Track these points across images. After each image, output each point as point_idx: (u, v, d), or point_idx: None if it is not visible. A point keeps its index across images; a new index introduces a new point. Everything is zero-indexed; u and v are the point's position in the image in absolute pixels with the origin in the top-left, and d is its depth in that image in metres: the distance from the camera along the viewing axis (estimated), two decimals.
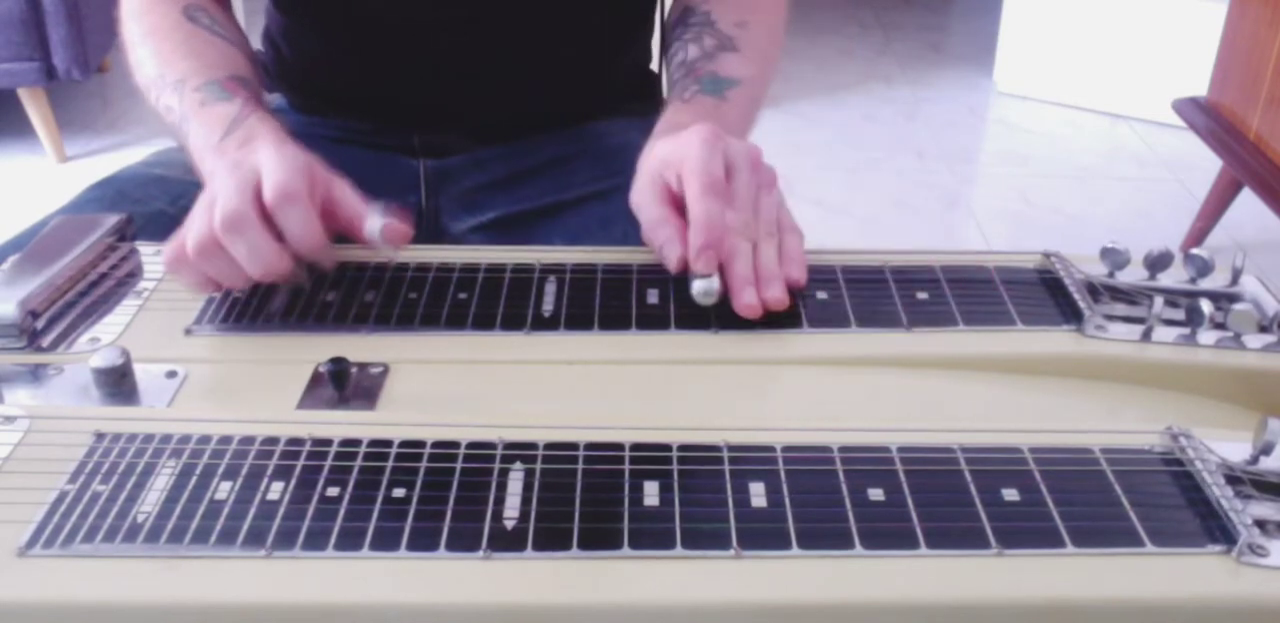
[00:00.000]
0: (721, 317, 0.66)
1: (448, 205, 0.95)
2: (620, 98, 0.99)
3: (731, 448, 0.54)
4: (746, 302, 0.65)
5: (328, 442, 0.54)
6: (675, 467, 0.53)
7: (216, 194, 0.66)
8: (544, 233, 0.91)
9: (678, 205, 0.70)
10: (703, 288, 0.66)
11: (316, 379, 0.61)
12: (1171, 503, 0.52)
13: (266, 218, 0.65)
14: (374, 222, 0.67)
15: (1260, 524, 0.50)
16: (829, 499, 0.51)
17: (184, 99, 0.78)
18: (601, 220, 0.89)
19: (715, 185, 0.67)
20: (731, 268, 0.66)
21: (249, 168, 0.67)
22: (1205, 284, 0.69)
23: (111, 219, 0.74)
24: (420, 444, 0.54)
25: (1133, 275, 0.70)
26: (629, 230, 0.79)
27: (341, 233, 0.69)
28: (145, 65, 0.83)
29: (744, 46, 0.85)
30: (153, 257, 0.73)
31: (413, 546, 0.49)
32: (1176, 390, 0.64)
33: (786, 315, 0.66)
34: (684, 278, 0.68)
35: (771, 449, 0.54)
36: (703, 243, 0.66)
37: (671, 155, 0.70)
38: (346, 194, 0.69)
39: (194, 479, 0.52)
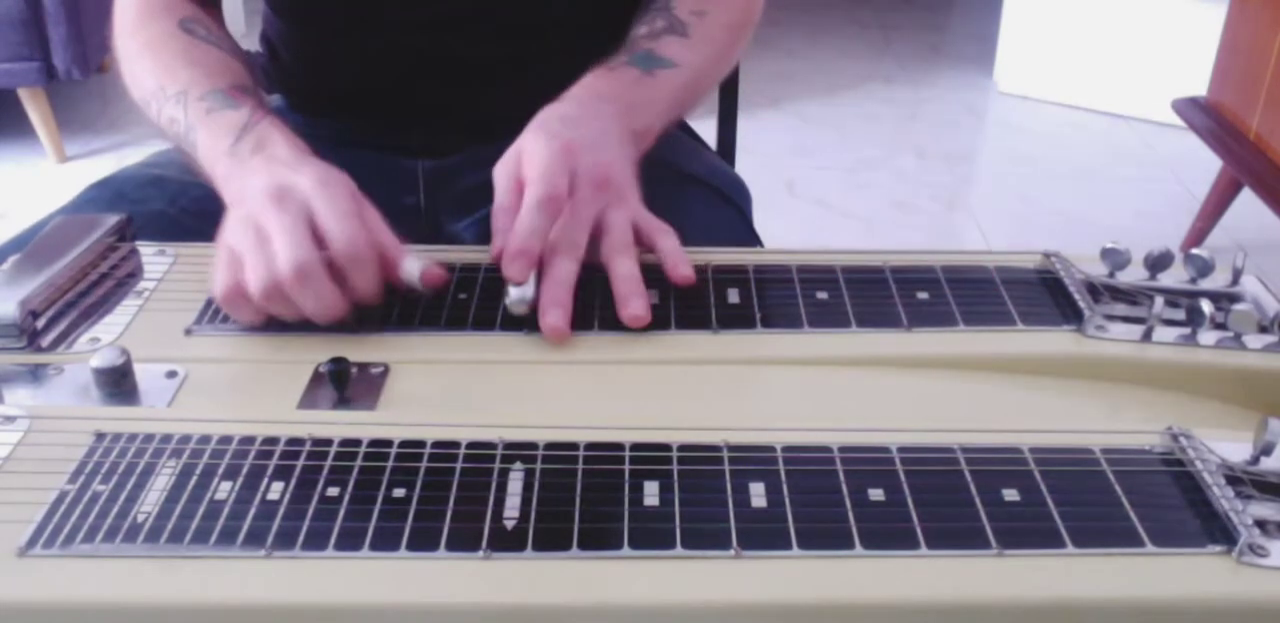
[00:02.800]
0: (722, 317, 0.66)
1: (446, 205, 0.95)
2: None
3: (731, 448, 0.54)
4: (551, 323, 0.64)
5: (328, 442, 0.54)
6: (675, 467, 0.53)
7: (270, 233, 0.64)
8: None
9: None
10: (517, 296, 0.65)
11: (316, 379, 0.61)
12: (1172, 503, 0.52)
13: (328, 264, 0.64)
14: (412, 265, 0.66)
15: (1260, 524, 0.50)
16: (829, 499, 0.51)
17: (189, 109, 0.78)
18: None
19: (552, 200, 0.67)
20: (544, 283, 0.66)
21: (297, 201, 0.65)
22: (1205, 284, 0.69)
23: (111, 219, 0.74)
24: (420, 444, 0.54)
25: (1133, 275, 0.70)
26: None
27: None
28: (144, 79, 0.82)
29: (694, 34, 0.84)
30: (153, 257, 0.73)
31: (413, 546, 0.49)
32: (1177, 391, 0.64)
33: (786, 315, 0.66)
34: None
35: (771, 449, 0.54)
36: (515, 250, 0.66)
37: (525, 153, 0.70)
38: (377, 220, 0.67)
39: (194, 479, 0.52)
